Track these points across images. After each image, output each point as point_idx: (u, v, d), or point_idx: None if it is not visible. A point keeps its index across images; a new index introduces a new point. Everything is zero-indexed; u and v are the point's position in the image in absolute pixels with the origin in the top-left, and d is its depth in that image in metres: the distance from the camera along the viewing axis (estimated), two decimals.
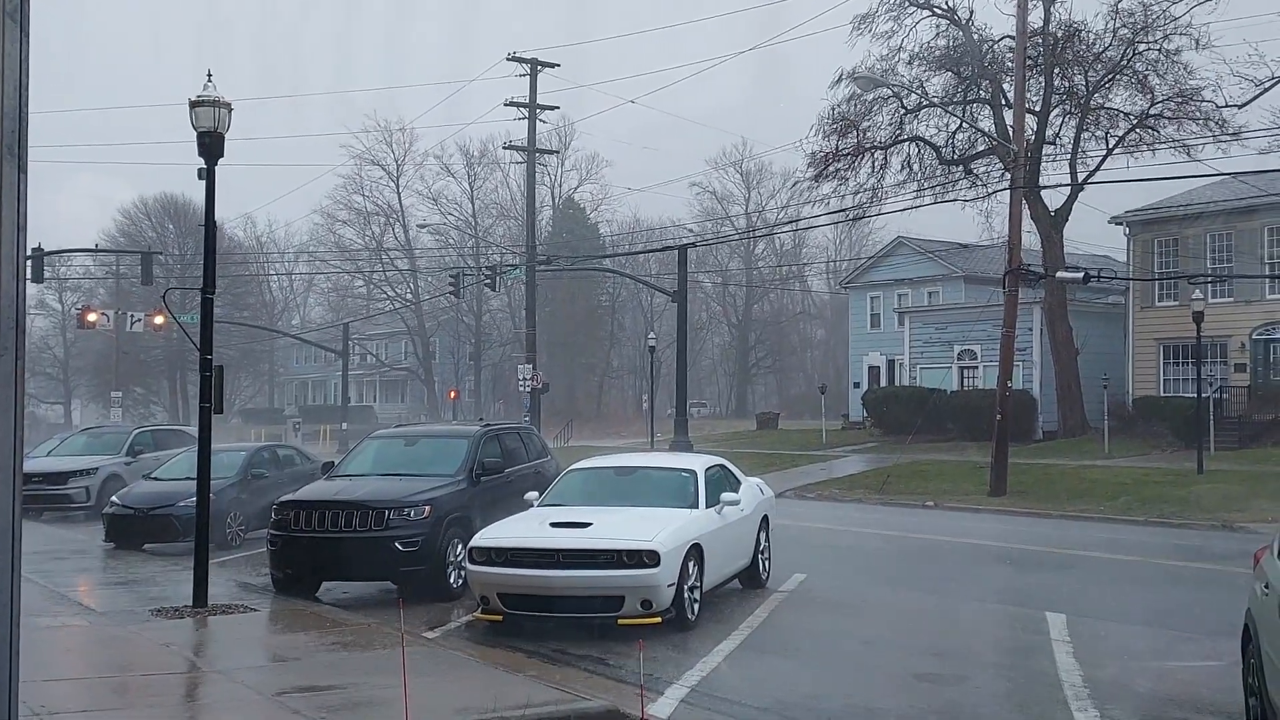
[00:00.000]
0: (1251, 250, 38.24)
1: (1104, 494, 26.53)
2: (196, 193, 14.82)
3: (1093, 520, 23.60)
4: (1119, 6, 39.12)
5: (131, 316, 48.21)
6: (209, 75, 13.79)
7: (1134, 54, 39.47)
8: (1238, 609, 8.54)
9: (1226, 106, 36.81)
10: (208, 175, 14.00)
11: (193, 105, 13.70)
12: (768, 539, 15.14)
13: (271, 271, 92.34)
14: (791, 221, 56.28)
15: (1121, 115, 40.69)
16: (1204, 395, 32.06)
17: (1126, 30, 39.32)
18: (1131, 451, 35.30)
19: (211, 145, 13.78)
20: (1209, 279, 37.06)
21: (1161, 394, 39.84)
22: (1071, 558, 18.35)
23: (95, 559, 19.30)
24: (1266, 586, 7.50)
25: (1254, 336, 38.40)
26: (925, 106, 41.08)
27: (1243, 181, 36.01)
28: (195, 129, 13.75)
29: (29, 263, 37.04)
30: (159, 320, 44.89)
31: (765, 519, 15.16)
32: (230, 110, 13.85)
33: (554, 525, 12.33)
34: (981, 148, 40.93)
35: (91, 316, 48.56)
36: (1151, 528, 22.38)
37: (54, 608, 13.95)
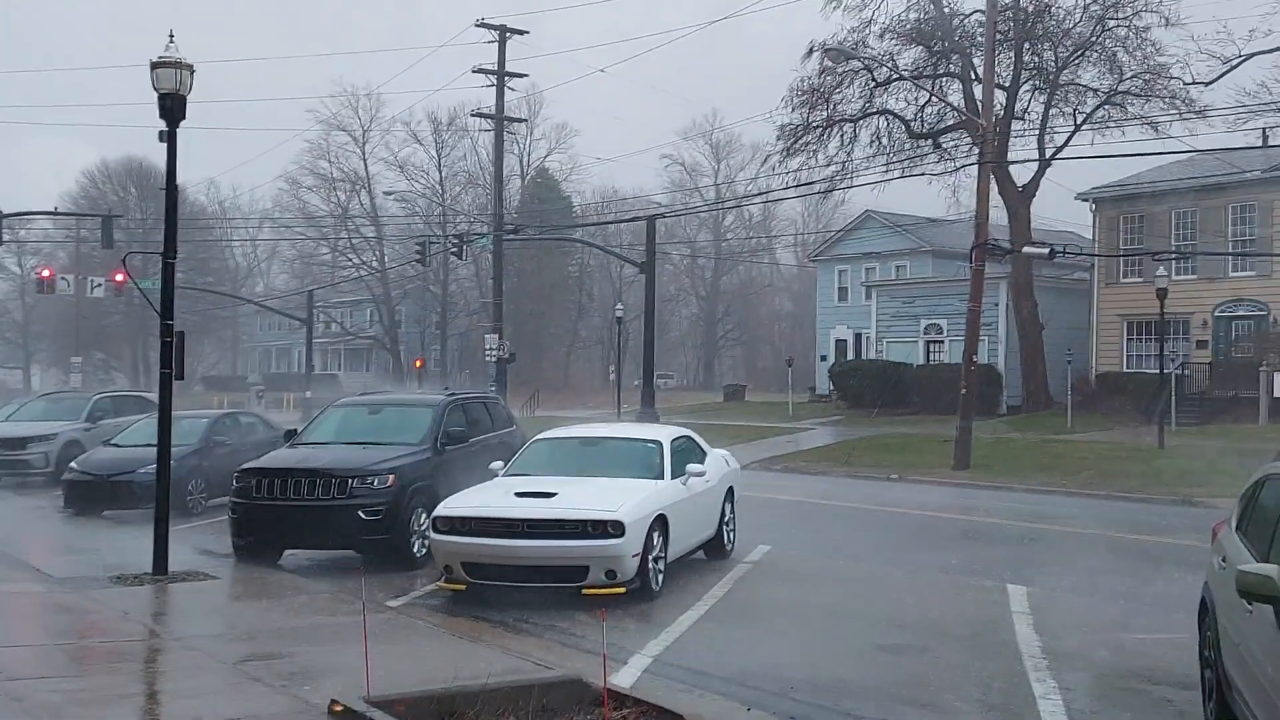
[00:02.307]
0: (1216, 228, 38.55)
1: (1066, 468, 26.75)
2: (159, 156, 14.60)
3: (1055, 494, 23.79)
4: None
5: (92, 281, 47.58)
6: (170, 36, 13.58)
7: (1103, 30, 39.64)
8: (1195, 583, 8.62)
9: (1194, 84, 37.05)
10: (169, 138, 13.82)
11: (154, 66, 13.49)
12: (733, 510, 15.17)
13: (235, 237, 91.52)
14: (761, 194, 56.31)
15: (1090, 92, 40.90)
16: (1166, 371, 32.35)
17: (1097, 6, 39.47)
18: (1094, 426, 35.60)
19: (173, 107, 13.58)
20: (1174, 255, 37.34)
21: (1125, 370, 40.19)
22: (1033, 531, 18.50)
23: (54, 525, 19.12)
24: (1224, 560, 7.57)
25: (1217, 313, 38.77)
26: (895, 80, 41.06)
27: (1213, 159, 36.28)
28: (157, 91, 13.55)
29: None
30: (119, 278, 44.31)
31: (731, 490, 15.18)
32: (192, 72, 13.65)
33: (519, 495, 12.29)
34: (950, 122, 40.99)
35: (47, 272, 47.90)
36: (1113, 502, 22.60)
37: (10, 573, 13.83)
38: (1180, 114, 37.76)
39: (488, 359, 46.50)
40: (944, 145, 41.66)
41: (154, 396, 21.19)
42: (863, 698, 8.59)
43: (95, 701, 8.05)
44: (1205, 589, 8.03)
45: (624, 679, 8.87)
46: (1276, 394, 33.58)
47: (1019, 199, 40.93)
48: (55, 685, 8.54)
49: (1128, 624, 11.25)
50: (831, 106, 41.46)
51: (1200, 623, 8.17)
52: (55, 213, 64.48)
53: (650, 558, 11.96)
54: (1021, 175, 41.25)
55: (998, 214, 38.61)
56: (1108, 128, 40.08)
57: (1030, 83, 41.90)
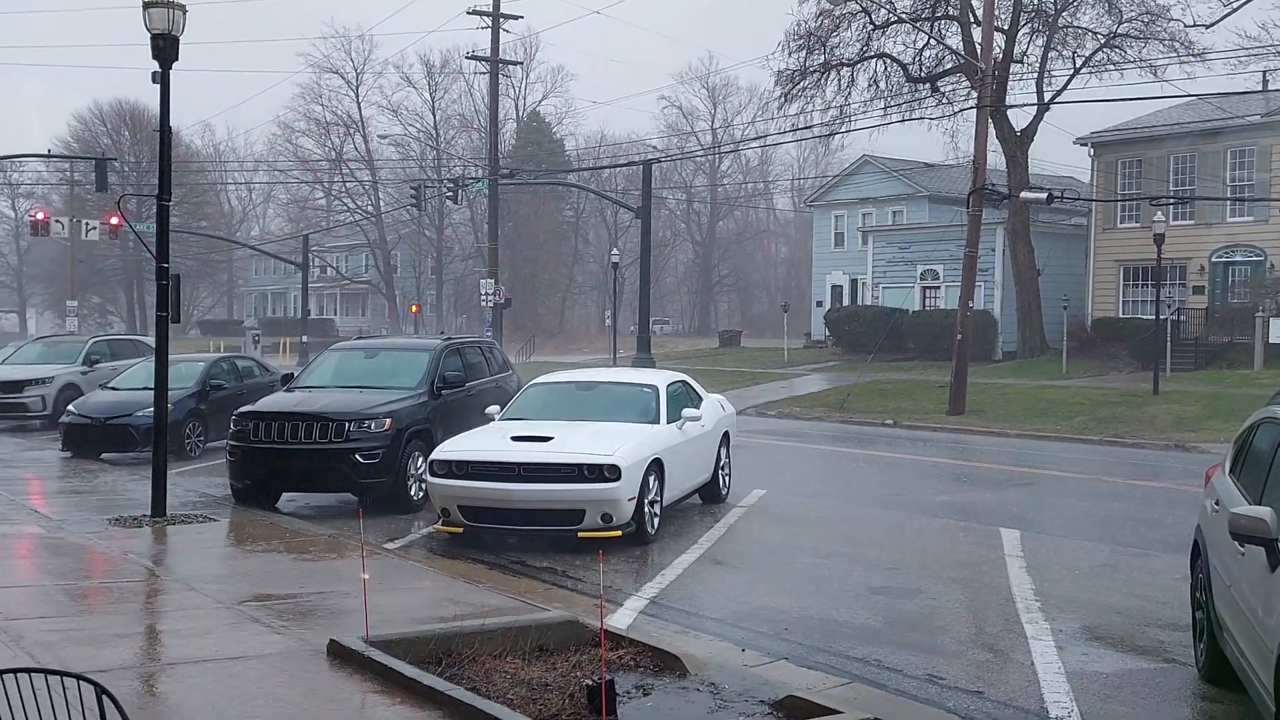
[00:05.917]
0: (1214, 173, 38.40)
1: (1061, 414, 26.85)
2: (151, 99, 14.51)
3: (1049, 439, 23.90)
4: None
5: (86, 224, 47.39)
6: None
7: None
8: (1188, 526, 8.68)
9: (1194, 26, 36.72)
10: (162, 79, 13.70)
11: (146, 6, 13.34)
12: (728, 455, 15.23)
13: (230, 181, 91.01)
14: (758, 138, 56.05)
15: (1089, 34, 40.55)
16: (1162, 317, 32.34)
17: None
18: (1089, 372, 35.68)
19: (165, 48, 13.45)
20: (1171, 200, 37.19)
21: (1120, 315, 40.21)
22: (1027, 476, 18.60)
23: (51, 468, 19.17)
24: (1216, 504, 7.61)
25: (1213, 259, 38.72)
26: (894, 22, 40.68)
27: (1211, 104, 36.04)
28: (149, 31, 13.41)
29: None
30: (114, 220, 44.14)
31: (726, 435, 15.23)
32: (185, 12, 13.50)
33: (515, 439, 12.32)
34: (949, 65, 40.68)
35: (41, 215, 47.68)
36: (1106, 447, 22.71)
37: (9, 515, 13.87)
38: (1179, 57, 37.54)
39: (484, 304, 46.42)
40: (942, 89, 41.39)
41: (150, 340, 21.19)
42: (856, 639, 8.67)
43: (93, 640, 8.10)
44: (1198, 532, 8.08)
45: (620, 620, 8.95)
46: (1272, 339, 33.63)
47: (1017, 144, 40.71)
48: (53, 625, 8.60)
49: (1120, 566, 11.34)
50: (829, 50, 41.13)
51: (1192, 565, 8.23)
52: (49, 155, 64.18)
53: (646, 501, 12.03)
54: (1020, 120, 41.06)
55: (995, 159, 38.49)
56: (1106, 71, 39.86)
57: (1029, 25, 41.56)
